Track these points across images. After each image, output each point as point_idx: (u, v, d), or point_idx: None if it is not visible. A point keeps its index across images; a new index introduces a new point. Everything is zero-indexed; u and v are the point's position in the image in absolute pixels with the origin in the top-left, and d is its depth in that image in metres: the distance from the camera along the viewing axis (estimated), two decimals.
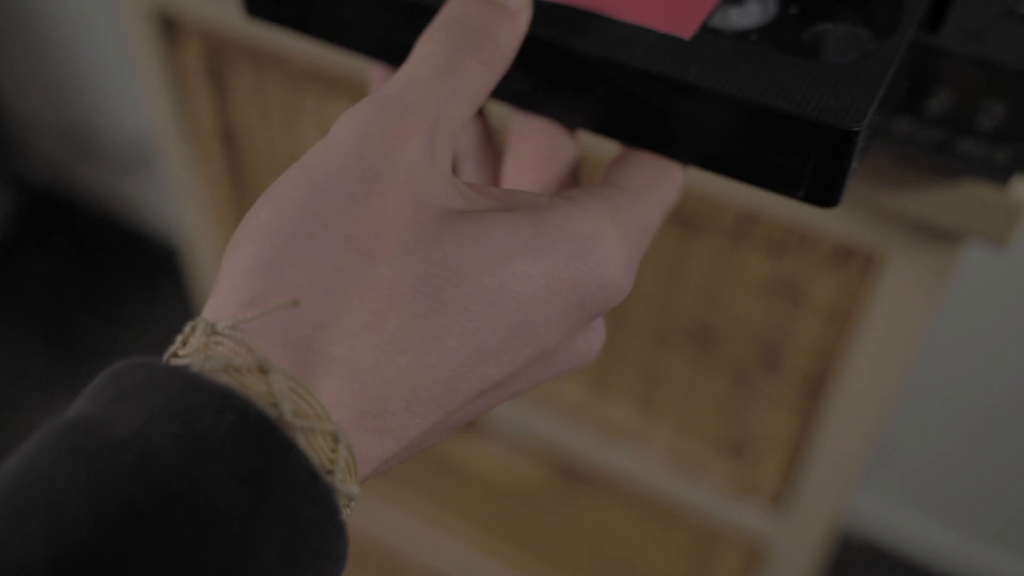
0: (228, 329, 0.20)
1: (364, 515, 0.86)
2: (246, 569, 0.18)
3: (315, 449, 0.20)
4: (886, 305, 0.43)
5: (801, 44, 0.25)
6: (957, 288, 0.79)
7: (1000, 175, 0.33)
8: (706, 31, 0.26)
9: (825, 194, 0.24)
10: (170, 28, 0.58)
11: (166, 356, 0.21)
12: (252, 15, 0.32)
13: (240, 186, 0.67)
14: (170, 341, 0.22)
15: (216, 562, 0.17)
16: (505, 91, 0.27)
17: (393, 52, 0.29)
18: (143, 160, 1.35)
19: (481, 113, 0.29)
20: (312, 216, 0.21)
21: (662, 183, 0.26)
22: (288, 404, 0.19)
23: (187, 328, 0.21)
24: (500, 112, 0.31)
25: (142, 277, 1.42)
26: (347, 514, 0.21)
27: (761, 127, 0.24)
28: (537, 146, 0.28)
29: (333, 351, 0.20)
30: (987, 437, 1.01)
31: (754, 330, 0.50)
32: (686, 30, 0.26)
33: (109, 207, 1.50)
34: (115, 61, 1.26)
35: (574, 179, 0.28)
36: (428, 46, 0.24)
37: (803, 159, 0.24)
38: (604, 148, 0.42)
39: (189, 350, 0.20)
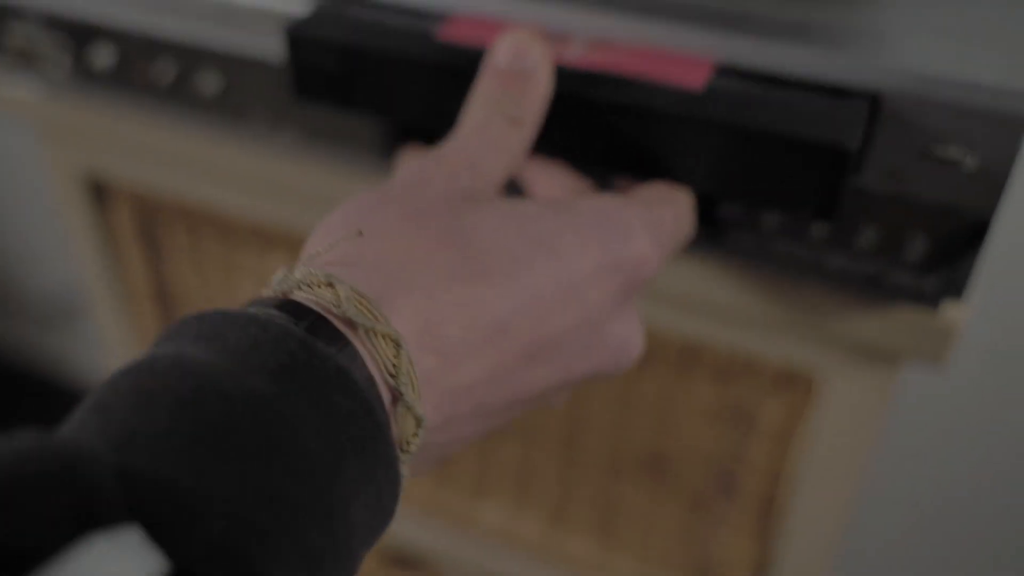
0: (306, 260, 0.25)
1: None
2: (281, 443, 0.19)
3: (378, 350, 0.22)
4: (831, 426, 0.44)
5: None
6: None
7: (930, 301, 0.35)
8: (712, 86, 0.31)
9: (829, 208, 0.30)
10: (100, 191, 0.58)
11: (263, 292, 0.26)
12: (301, 95, 0.36)
13: None
14: None
15: (256, 435, 0.19)
16: (543, 145, 0.32)
17: (437, 117, 0.33)
18: (69, 314, 1.32)
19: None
20: (376, 204, 0.26)
21: (678, 197, 0.31)
22: (352, 307, 0.22)
23: (280, 270, 0.25)
24: None
25: None
26: (414, 435, 0.23)
27: (775, 152, 0.29)
28: (563, 182, 0.33)
29: (394, 274, 0.24)
30: (945, 541, 1.02)
31: (707, 456, 0.50)
32: (696, 84, 0.31)
33: (31, 361, 1.45)
34: (40, 215, 1.24)
35: None
36: (469, 112, 0.30)
37: (810, 177, 0.29)
38: None
39: (274, 280, 0.24)
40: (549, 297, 0.26)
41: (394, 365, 0.23)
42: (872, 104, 0.31)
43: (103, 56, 0.45)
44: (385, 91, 0.34)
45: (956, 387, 0.88)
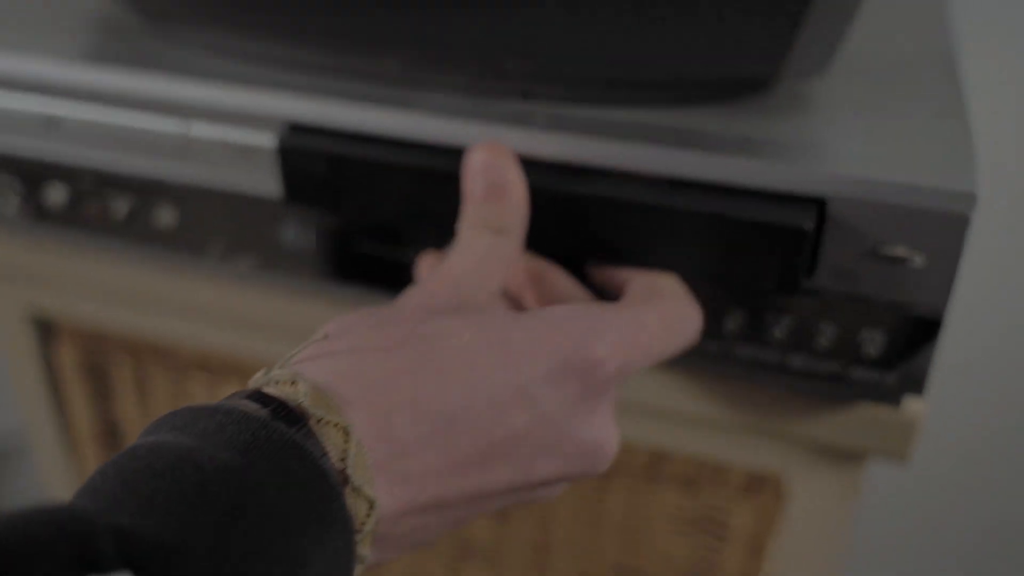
0: (281, 361, 0.28)
1: None
2: (248, 503, 0.22)
3: (330, 437, 0.25)
4: (801, 526, 0.44)
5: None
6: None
7: (891, 397, 0.35)
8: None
9: (792, 285, 0.33)
10: (45, 328, 0.57)
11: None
12: (292, 200, 0.38)
13: None
14: None
15: (226, 498, 0.22)
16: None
17: (425, 218, 0.36)
18: (6, 454, 1.27)
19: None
20: (352, 316, 0.29)
21: (669, 297, 0.32)
22: (307, 399, 0.25)
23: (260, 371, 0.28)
24: None
25: None
26: (367, 515, 0.25)
27: (743, 236, 0.32)
28: (560, 293, 0.35)
29: (352, 369, 0.26)
30: None
31: (679, 565, 0.50)
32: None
33: None
34: None
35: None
36: (458, 234, 0.33)
37: (773, 257, 0.32)
38: None
39: (252, 379, 0.27)
40: (499, 397, 0.26)
41: (344, 451, 0.24)
42: (819, 209, 0.32)
43: (54, 194, 0.45)
44: (373, 197, 0.36)
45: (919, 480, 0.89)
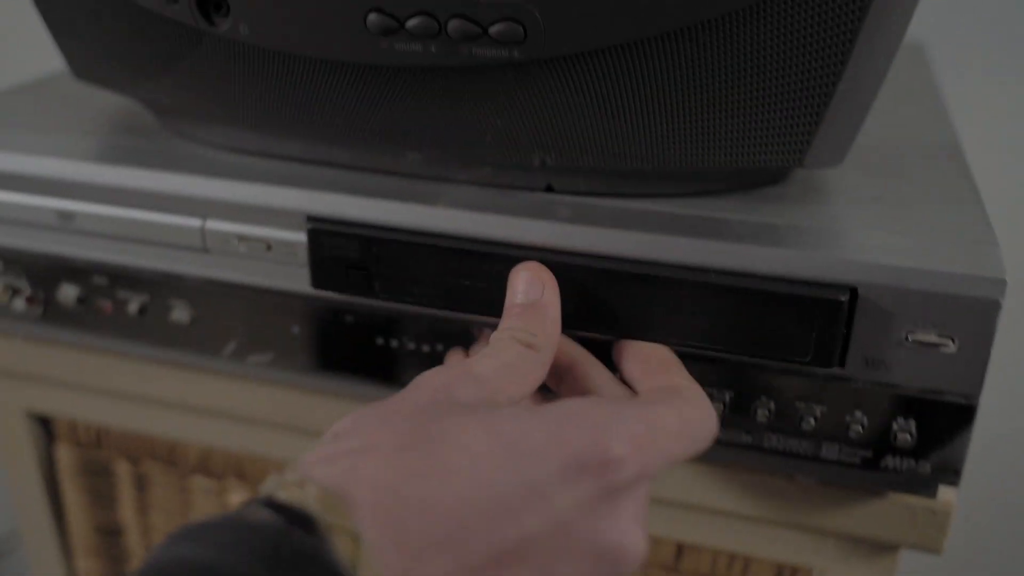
0: (294, 463, 0.28)
1: None
2: None
3: (341, 544, 0.24)
4: None
5: None
6: None
7: (926, 487, 0.35)
8: None
9: (828, 358, 0.33)
10: (45, 427, 0.56)
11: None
12: (318, 288, 0.38)
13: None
14: None
15: None
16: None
17: (456, 299, 0.36)
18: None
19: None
20: (366, 410, 0.29)
21: (689, 396, 0.31)
22: (316, 505, 0.25)
23: (274, 473, 0.29)
24: None
25: None
26: None
27: (780, 309, 0.32)
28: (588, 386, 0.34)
29: (361, 471, 0.26)
30: None
31: None
32: None
33: None
34: None
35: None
36: (491, 340, 0.32)
37: (809, 328, 0.32)
38: None
39: (267, 481, 0.28)
40: (512, 498, 0.25)
41: (354, 559, 0.24)
42: (850, 297, 0.32)
43: (62, 292, 0.44)
44: (405, 279, 0.37)
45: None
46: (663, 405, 0.30)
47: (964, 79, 0.70)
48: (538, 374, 0.32)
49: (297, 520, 0.24)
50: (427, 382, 0.30)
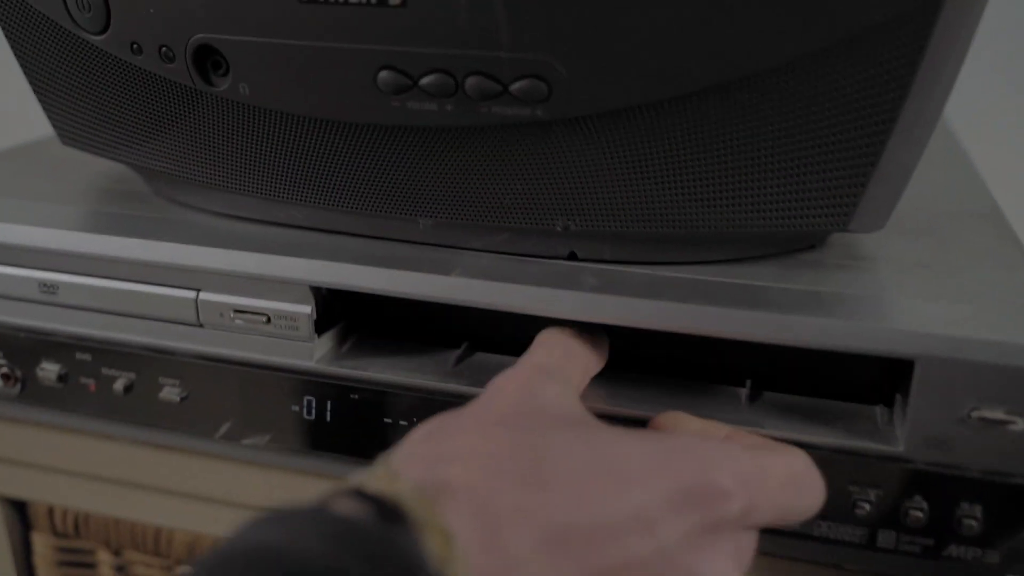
0: (383, 458, 0.26)
1: None
2: None
3: (432, 542, 0.23)
4: None
5: None
6: None
7: None
8: None
9: None
10: (20, 512, 0.52)
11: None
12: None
13: None
14: None
15: None
16: None
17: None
18: None
19: None
20: (455, 412, 0.28)
21: (795, 453, 0.29)
22: (412, 501, 0.24)
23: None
24: None
25: None
26: None
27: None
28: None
29: (459, 472, 0.25)
30: None
31: None
32: None
33: None
34: None
35: None
36: (539, 339, 0.33)
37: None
38: None
39: (355, 475, 0.26)
40: (613, 521, 0.25)
41: (443, 558, 0.23)
42: (907, 370, 0.30)
43: (41, 371, 0.41)
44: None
45: None
46: (772, 453, 0.28)
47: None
48: (593, 358, 0.33)
49: (387, 513, 0.23)
50: (506, 384, 0.29)
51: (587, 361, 0.33)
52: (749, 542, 0.28)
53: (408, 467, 0.26)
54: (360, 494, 0.24)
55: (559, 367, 0.31)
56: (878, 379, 0.34)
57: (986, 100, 0.70)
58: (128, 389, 0.40)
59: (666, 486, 0.26)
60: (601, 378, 0.35)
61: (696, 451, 0.27)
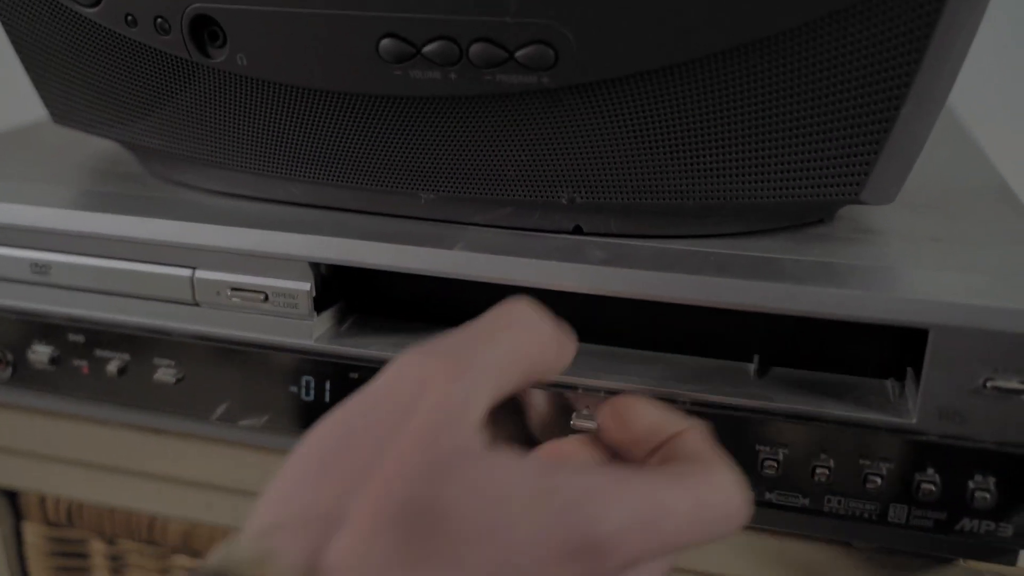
0: (253, 520, 0.24)
1: None
2: None
3: None
4: None
5: None
6: None
7: (1006, 553, 0.31)
8: None
9: None
10: (12, 502, 0.51)
11: None
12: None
13: None
14: None
15: None
16: None
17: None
18: None
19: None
20: (330, 447, 0.25)
21: (715, 474, 0.26)
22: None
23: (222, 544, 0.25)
24: None
25: None
26: None
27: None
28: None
29: (338, 555, 0.23)
30: None
31: None
32: None
33: None
34: None
35: None
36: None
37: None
38: None
39: (215, 554, 0.23)
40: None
41: None
42: (920, 339, 0.29)
43: (36, 353, 0.40)
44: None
45: None
46: (680, 483, 0.26)
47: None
48: (541, 362, 0.27)
49: None
50: (405, 385, 0.25)
51: (531, 364, 0.27)
52: (657, 570, 0.26)
53: (283, 540, 0.23)
54: None
55: (487, 374, 0.26)
56: (888, 353, 0.33)
57: (990, 86, 0.70)
58: (122, 371, 0.40)
59: (548, 547, 0.23)
60: (607, 353, 0.34)
61: (581, 502, 0.24)
